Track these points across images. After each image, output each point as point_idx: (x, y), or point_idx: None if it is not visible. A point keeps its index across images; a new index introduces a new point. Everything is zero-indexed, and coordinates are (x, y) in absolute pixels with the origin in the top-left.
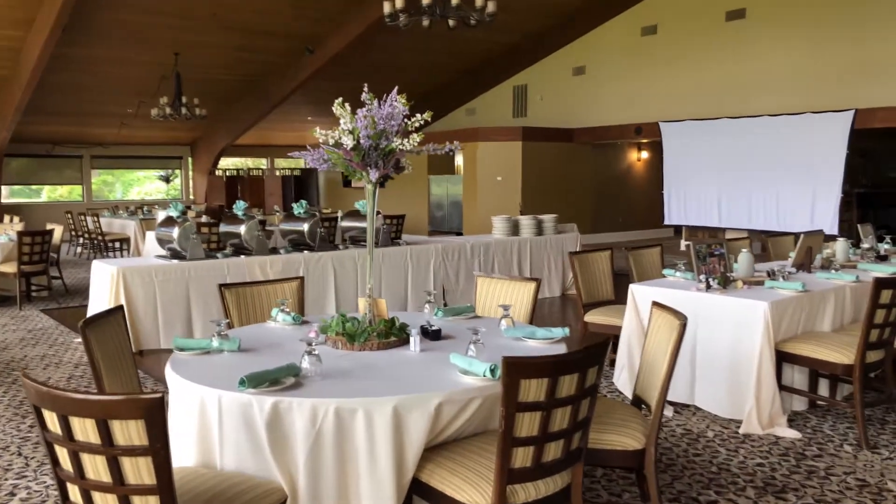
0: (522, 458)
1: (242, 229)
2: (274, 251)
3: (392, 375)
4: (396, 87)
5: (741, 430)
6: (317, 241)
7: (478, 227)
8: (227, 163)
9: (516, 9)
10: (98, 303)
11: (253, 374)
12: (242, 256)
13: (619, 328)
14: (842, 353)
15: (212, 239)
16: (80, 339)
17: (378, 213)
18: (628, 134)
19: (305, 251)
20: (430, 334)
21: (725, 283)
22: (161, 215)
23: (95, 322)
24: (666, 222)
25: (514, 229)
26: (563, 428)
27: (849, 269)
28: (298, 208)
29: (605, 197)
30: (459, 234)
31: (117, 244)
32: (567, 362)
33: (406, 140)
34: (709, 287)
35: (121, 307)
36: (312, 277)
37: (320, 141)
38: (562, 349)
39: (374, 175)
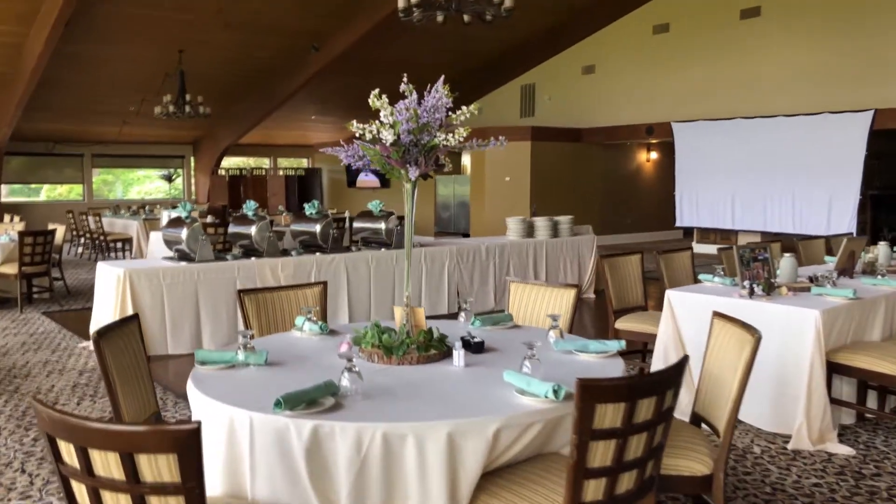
0: (594, 490)
1: (253, 230)
2: (284, 253)
3: (439, 395)
4: (442, 77)
5: (790, 446)
6: (329, 243)
7: (486, 228)
8: (229, 162)
9: (524, 6)
10: (103, 306)
11: (290, 395)
12: (253, 258)
13: (653, 336)
14: None
15: (218, 240)
16: (84, 344)
17: (391, 213)
18: (639, 134)
19: (318, 253)
20: (472, 347)
21: (769, 289)
22: (165, 215)
23: (110, 332)
24: (678, 224)
25: (529, 231)
26: (638, 456)
27: (893, 275)
28: (310, 209)
29: (613, 198)
30: (466, 235)
31: (119, 245)
32: (647, 384)
33: (451, 135)
34: (752, 293)
35: (135, 316)
36: (325, 280)
37: (357, 135)
38: (619, 364)
39: (413, 173)
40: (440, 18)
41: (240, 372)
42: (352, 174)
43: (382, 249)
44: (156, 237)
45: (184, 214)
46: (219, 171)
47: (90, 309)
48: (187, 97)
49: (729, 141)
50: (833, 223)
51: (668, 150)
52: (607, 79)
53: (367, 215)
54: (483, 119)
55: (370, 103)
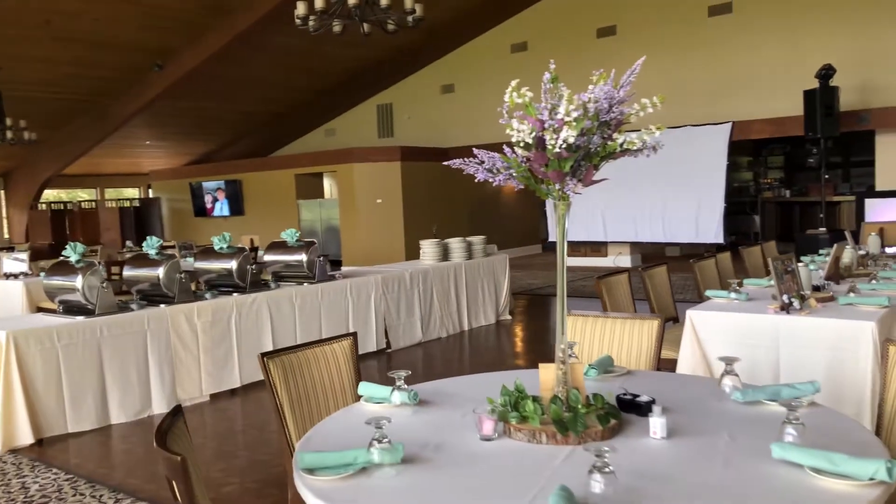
0: None
1: (160, 272)
2: (195, 296)
3: (709, 488)
4: (643, 58)
5: None
6: (248, 281)
7: (361, 253)
8: (48, 195)
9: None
10: None
11: None
12: (163, 306)
13: (672, 360)
14: None
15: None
16: None
17: (312, 242)
18: None
19: (235, 294)
20: (641, 408)
21: (801, 301)
22: (6, 262)
23: (169, 434)
24: (550, 238)
25: (444, 254)
26: None
27: (888, 280)
28: (220, 242)
29: (479, 216)
30: (338, 262)
31: None
32: None
33: (639, 134)
34: (788, 308)
35: (179, 408)
36: (245, 325)
37: (513, 138)
38: (834, 414)
39: (574, 188)
40: (338, 28)
41: (377, 479)
42: (199, 202)
43: (305, 284)
44: None
45: (74, 258)
46: (38, 206)
47: None
48: (8, 121)
49: None
50: (701, 231)
51: None
52: (467, 97)
53: (281, 246)
54: (337, 140)
55: (508, 99)
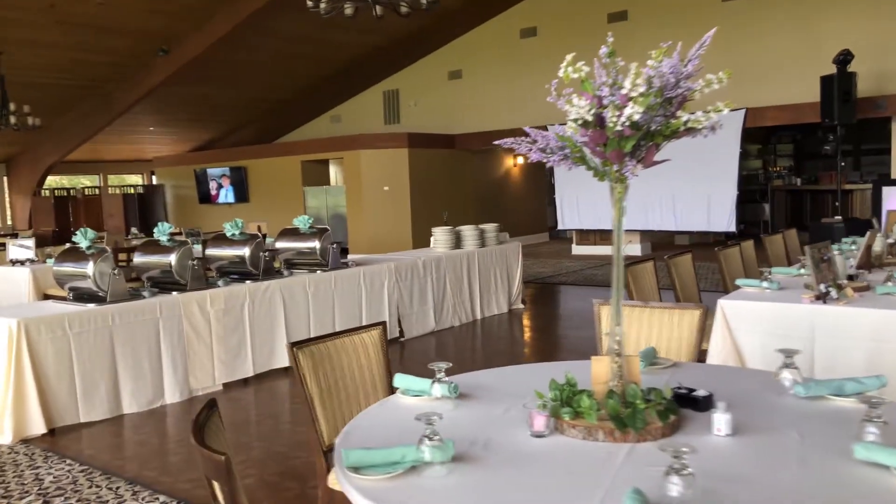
0: None
1: (172, 259)
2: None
3: (783, 489)
4: (714, 29)
5: None
6: (261, 269)
7: (368, 241)
8: (50, 181)
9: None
10: None
11: None
12: (175, 293)
13: (702, 351)
14: None
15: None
16: None
17: (325, 229)
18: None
19: (248, 281)
20: (699, 403)
21: (838, 291)
22: (13, 249)
23: (205, 432)
24: (560, 227)
25: (457, 242)
26: None
27: None
28: (232, 228)
29: (486, 204)
30: (344, 250)
31: None
32: None
33: (706, 113)
34: (825, 297)
35: (214, 402)
36: (259, 313)
37: (570, 115)
38: None
39: (632, 169)
40: (349, 11)
41: (428, 478)
42: (204, 189)
43: (318, 272)
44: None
45: (84, 244)
46: (42, 192)
47: None
48: (11, 106)
49: None
50: (713, 220)
51: None
52: (475, 83)
53: (293, 233)
54: (343, 127)
55: (563, 75)
